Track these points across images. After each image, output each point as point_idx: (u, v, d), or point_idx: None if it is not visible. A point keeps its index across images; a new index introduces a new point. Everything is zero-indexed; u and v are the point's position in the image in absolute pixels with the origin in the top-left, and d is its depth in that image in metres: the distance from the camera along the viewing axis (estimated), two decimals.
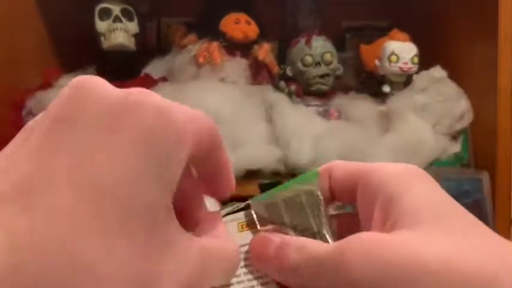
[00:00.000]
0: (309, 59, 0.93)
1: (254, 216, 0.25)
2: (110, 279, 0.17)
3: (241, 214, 0.26)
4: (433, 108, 0.90)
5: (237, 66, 0.92)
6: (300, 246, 0.23)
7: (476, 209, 0.84)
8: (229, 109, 0.84)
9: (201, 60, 0.89)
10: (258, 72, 0.94)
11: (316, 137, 0.84)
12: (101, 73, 0.90)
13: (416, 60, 0.94)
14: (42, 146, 0.18)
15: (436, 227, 0.21)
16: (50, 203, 0.17)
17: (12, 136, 0.20)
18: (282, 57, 1.00)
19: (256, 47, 0.93)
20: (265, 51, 0.93)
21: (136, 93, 0.20)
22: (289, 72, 0.95)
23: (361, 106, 0.93)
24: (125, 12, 0.87)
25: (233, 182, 0.24)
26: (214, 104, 0.84)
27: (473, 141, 0.92)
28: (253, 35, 0.93)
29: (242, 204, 0.26)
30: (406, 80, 0.96)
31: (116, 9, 0.87)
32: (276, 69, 0.96)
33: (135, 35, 0.88)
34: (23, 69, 0.89)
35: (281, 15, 1.12)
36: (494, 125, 0.85)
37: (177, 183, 0.20)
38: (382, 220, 0.22)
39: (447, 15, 1.03)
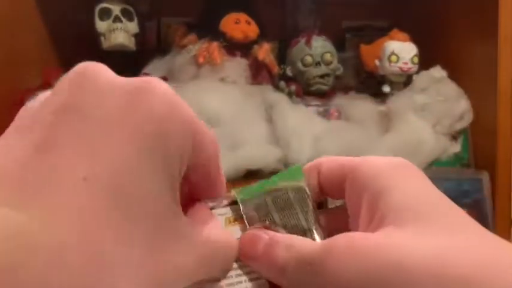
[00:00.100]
0: (309, 59, 0.93)
1: (243, 214, 0.25)
2: (120, 269, 0.17)
3: (227, 209, 0.26)
4: (433, 108, 0.90)
5: (237, 66, 0.92)
6: (288, 244, 0.23)
7: (476, 209, 0.84)
8: (229, 109, 0.84)
9: (201, 60, 0.89)
10: (258, 72, 0.94)
11: (316, 137, 0.84)
12: None
13: (416, 60, 0.94)
14: (48, 139, 0.18)
15: (424, 225, 0.21)
16: (57, 200, 0.17)
17: None
18: (282, 57, 1.00)
19: (256, 47, 0.93)
20: (265, 51, 0.93)
21: (143, 81, 0.19)
22: (289, 72, 0.95)
23: (361, 106, 0.93)
24: (124, 12, 0.87)
25: (225, 189, 0.24)
26: (214, 104, 0.84)
27: (473, 141, 0.92)
28: (253, 35, 0.93)
29: (227, 200, 0.26)
30: (406, 80, 0.96)
31: (116, 9, 0.87)
32: (276, 69, 0.96)
33: (135, 35, 0.88)
34: (23, 69, 0.89)
35: (281, 15, 1.12)
36: (494, 125, 0.85)
37: (182, 175, 0.20)
38: (369, 216, 0.22)
39: (447, 15, 1.03)
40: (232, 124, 0.82)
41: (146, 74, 0.93)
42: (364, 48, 1.01)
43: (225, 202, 0.25)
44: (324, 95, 0.95)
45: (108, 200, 0.17)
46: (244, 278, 0.24)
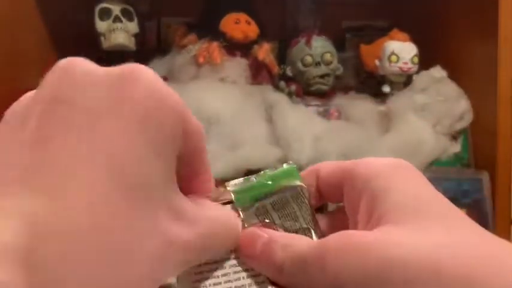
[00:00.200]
0: (309, 59, 0.93)
1: (241, 213, 0.25)
2: (131, 247, 0.18)
3: (227, 207, 0.26)
4: (433, 108, 0.90)
5: (237, 66, 0.92)
6: (285, 243, 0.23)
7: (476, 209, 0.84)
8: (229, 109, 0.84)
9: (201, 60, 0.89)
10: (258, 72, 0.94)
11: (316, 137, 0.84)
12: None
13: (416, 60, 0.93)
14: (43, 131, 0.18)
15: (422, 223, 0.21)
16: (61, 185, 0.17)
17: None
18: (282, 57, 1.00)
19: (256, 47, 0.93)
20: (265, 51, 0.93)
21: (127, 71, 0.20)
22: (289, 72, 0.95)
23: (361, 106, 0.93)
24: (124, 12, 0.87)
25: (212, 185, 0.24)
26: (214, 104, 0.84)
27: (473, 141, 0.92)
28: (253, 35, 0.93)
29: (223, 197, 0.26)
30: (406, 80, 0.96)
31: (116, 9, 0.87)
32: (276, 69, 0.96)
33: (135, 35, 0.88)
34: (23, 69, 0.89)
35: (281, 15, 1.12)
36: (494, 125, 0.85)
37: (176, 157, 0.20)
38: (368, 216, 0.22)
39: (447, 15, 1.03)
40: (232, 124, 0.82)
41: None
42: (364, 48, 1.01)
43: (222, 200, 0.25)
44: (324, 95, 0.95)
45: (113, 182, 0.18)
46: (243, 274, 0.24)
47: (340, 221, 0.25)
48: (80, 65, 0.20)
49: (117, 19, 0.86)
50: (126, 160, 0.18)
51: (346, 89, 0.99)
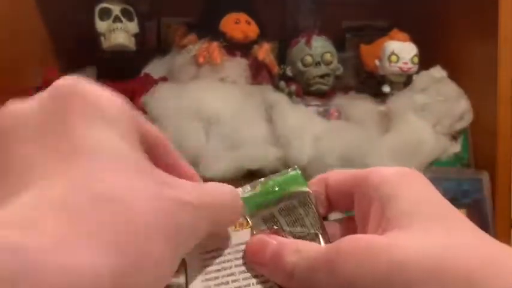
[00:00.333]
0: (309, 59, 0.93)
1: (249, 220, 0.25)
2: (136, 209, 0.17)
3: None
4: (433, 108, 0.90)
5: (237, 66, 0.92)
6: (295, 249, 0.23)
7: (476, 209, 0.84)
8: (229, 109, 0.84)
9: (201, 60, 0.89)
10: (258, 72, 0.94)
11: (316, 136, 0.84)
12: (101, 73, 0.90)
13: (416, 60, 0.93)
14: None
15: (426, 227, 0.21)
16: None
17: None
18: (282, 57, 1.00)
19: (256, 47, 0.93)
20: (265, 51, 0.93)
21: (64, 86, 0.20)
22: (289, 72, 0.95)
23: (361, 106, 0.93)
24: (124, 12, 0.87)
25: (191, 172, 0.24)
26: (214, 103, 0.84)
27: (473, 141, 0.92)
28: (253, 35, 0.93)
29: None
30: (406, 80, 0.96)
31: (116, 9, 0.87)
32: (276, 69, 0.96)
33: (135, 35, 0.88)
34: (23, 69, 0.89)
35: (281, 15, 1.12)
36: (494, 125, 0.85)
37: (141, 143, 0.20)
38: (377, 222, 0.23)
39: (447, 15, 1.03)
40: (232, 124, 0.82)
41: (146, 74, 0.93)
42: (364, 48, 1.01)
43: None
44: (324, 95, 0.95)
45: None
46: (252, 280, 0.24)
47: (347, 228, 0.26)
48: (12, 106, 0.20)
49: (117, 19, 0.86)
50: (98, 144, 0.18)
51: (346, 89, 0.99)
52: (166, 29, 1.09)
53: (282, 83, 0.95)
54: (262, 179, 0.27)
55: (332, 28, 1.07)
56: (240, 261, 0.24)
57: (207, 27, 0.94)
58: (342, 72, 0.96)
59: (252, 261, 0.24)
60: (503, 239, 0.84)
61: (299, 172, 0.27)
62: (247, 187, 0.26)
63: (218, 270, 0.24)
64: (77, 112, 0.19)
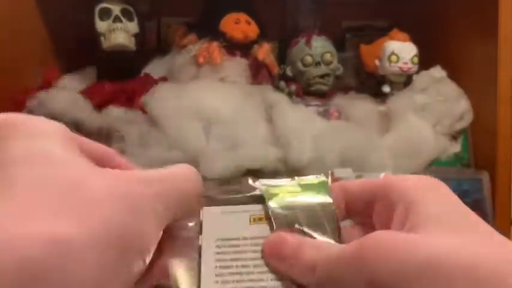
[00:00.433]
0: (309, 59, 0.93)
1: (272, 220, 0.25)
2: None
3: (253, 206, 0.26)
4: (433, 108, 0.90)
5: (237, 66, 0.92)
6: (317, 245, 0.23)
7: (476, 209, 0.84)
8: (229, 109, 0.84)
9: (201, 60, 0.89)
10: (258, 72, 0.94)
11: (316, 137, 0.83)
12: (101, 73, 0.90)
13: (416, 60, 0.93)
14: None
15: (454, 229, 0.21)
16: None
17: None
18: (282, 57, 1.00)
19: (256, 47, 0.93)
20: (265, 51, 0.93)
21: None
22: (289, 72, 0.95)
23: (361, 106, 0.93)
24: (124, 12, 0.87)
25: (123, 162, 0.25)
26: (214, 103, 0.84)
27: (473, 141, 0.92)
28: (253, 35, 0.93)
29: (251, 194, 0.26)
30: (406, 80, 0.96)
31: (116, 9, 0.87)
32: (276, 69, 0.96)
33: (135, 35, 0.88)
34: (23, 69, 0.89)
35: (281, 15, 1.12)
36: (494, 125, 0.85)
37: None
38: (400, 225, 0.23)
39: (447, 15, 1.03)
40: (232, 124, 0.82)
41: (146, 74, 0.93)
42: (364, 48, 1.01)
43: (247, 195, 0.26)
44: (324, 95, 0.95)
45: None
46: (267, 276, 0.24)
47: (358, 236, 0.26)
48: None
49: (117, 19, 0.86)
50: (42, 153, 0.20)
51: (346, 89, 0.99)
52: (166, 29, 1.09)
53: (282, 83, 0.95)
54: (289, 178, 0.27)
55: (332, 28, 1.07)
56: (256, 255, 0.24)
57: (207, 27, 0.94)
58: (342, 72, 0.96)
59: (270, 254, 0.24)
60: None
61: (325, 179, 0.27)
62: (273, 181, 0.27)
63: (233, 260, 0.24)
64: (17, 132, 0.20)
